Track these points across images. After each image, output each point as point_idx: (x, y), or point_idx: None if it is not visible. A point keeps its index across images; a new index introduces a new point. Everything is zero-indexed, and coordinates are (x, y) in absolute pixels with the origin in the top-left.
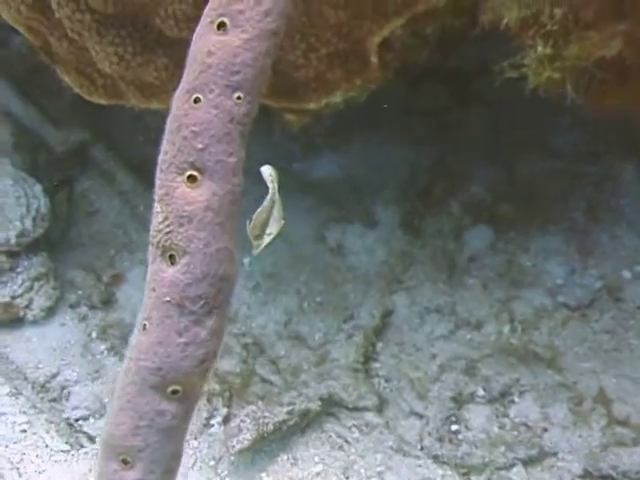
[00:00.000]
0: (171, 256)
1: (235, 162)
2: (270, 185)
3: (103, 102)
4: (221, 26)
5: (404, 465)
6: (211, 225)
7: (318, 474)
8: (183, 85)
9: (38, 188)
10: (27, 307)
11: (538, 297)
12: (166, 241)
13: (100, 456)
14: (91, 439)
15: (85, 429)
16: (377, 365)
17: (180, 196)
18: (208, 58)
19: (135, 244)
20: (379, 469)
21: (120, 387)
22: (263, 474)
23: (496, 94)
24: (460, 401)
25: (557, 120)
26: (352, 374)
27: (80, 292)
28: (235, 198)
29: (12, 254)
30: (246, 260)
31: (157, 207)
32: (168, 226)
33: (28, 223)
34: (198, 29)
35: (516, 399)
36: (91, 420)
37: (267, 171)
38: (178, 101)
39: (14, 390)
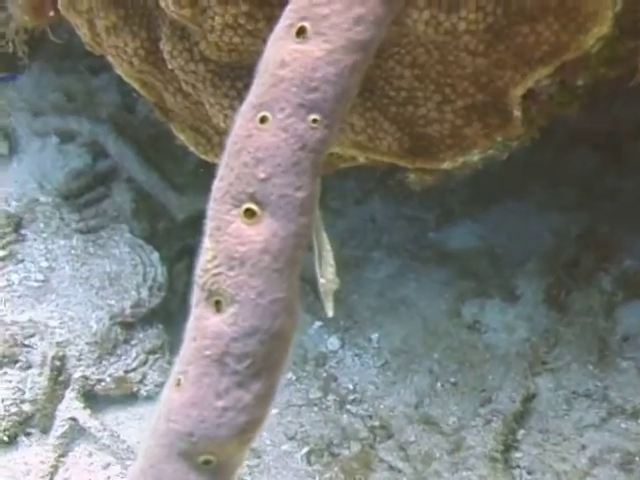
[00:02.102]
0: (217, 302)
1: (304, 197)
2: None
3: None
4: (301, 32)
5: None
6: (267, 271)
7: None
8: (250, 99)
9: (155, 256)
10: (141, 382)
11: None
12: (212, 284)
13: None
14: None
15: None
16: (518, 455)
17: (234, 233)
18: (281, 70)
19: None
20: None
21: (145, 447)
22: None
23: None
24: None
25: None
26: (490, 464)
27: None
28: (300, 241)
29: (127, 325)
30: (374, 336)
31: (207, 242)
32: (217, 267)
33: (144, 293)
34: (275, 32)
35: None
36: None
37: None
38: (242, 118)
39: (125, 471)
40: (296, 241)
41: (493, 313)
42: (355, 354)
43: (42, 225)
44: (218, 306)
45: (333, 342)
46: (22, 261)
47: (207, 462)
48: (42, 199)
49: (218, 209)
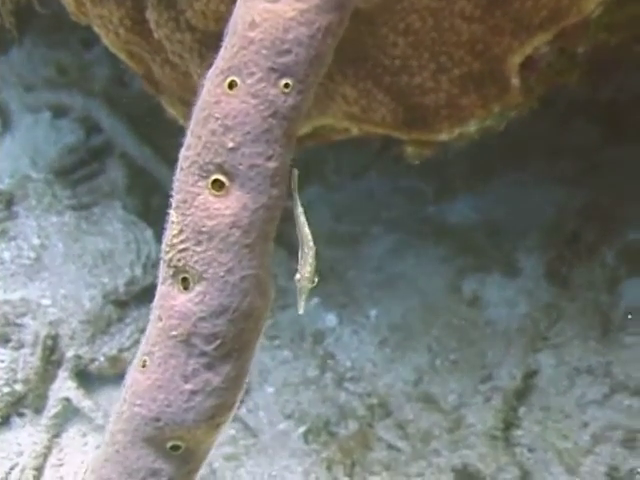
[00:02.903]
0: (184, 279)
1: (275, 168)
2: (293, 194)
3: None
4: None
5: None
6: (237, 247)
7: None
8: (218, 63)
9: (149, 233)
10: None
11: None
12: (179, 260)
13: None
14: None
15: None
16: (519, 433)
17: (201, 206)
18: (251, 31)
19: None
20: None
21: (110, 432)
22: None
23: None
24: (617, 478)
25: None
26: (490, 442)
27: None
28: (272, 215)
29: (120, 304)
30: (372, 312)
31: (172, 215)
32: (183, 242)
33: (138, 270)
34: None
35: None
36: None
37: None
38: (209, 83)
39: None
40: (267, 214)
41: (493, 288)
42: (353, 331)
43: (34, 202)
44: (185, 284)
45: (331, 319)
46: (14, 238)
47: (175, 448)
48: (34, 175)
49: (184, 180)
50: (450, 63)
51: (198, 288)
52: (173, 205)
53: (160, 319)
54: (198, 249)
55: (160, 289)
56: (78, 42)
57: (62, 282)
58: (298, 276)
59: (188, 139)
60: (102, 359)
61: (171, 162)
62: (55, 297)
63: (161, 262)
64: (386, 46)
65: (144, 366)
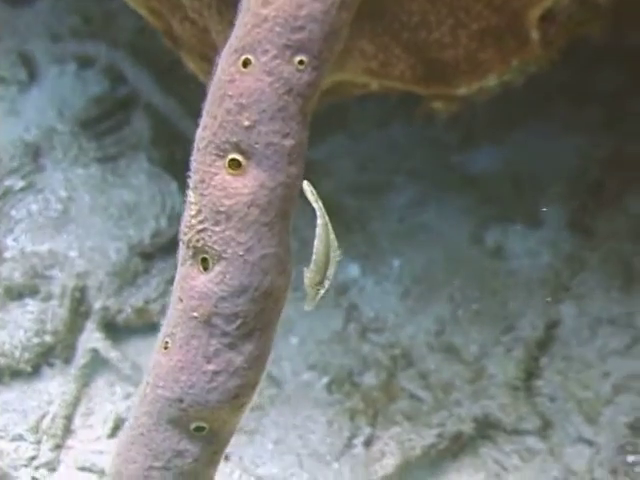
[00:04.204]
0: (204, 260)
1: (292, 145)
2: (316, 205)
3: None
4: None
5: None
6: (256, 226)
7: None
8: (231, 41)
9: (174, 185)
10: (161, 312)
11: None
12: (198, 241)
13: None
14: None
15: None
16: (540, 383)
17: (219, 185)
18: (264, 8)
19: None
20: None
21: (134, 415)
22: None
23: None
24: (638, 428)
25: None
26: (511, 392)
27: None
28: (290, 193)
29: (146, 255)
30: (395, 262)
31: (191, 196)
32: (201, 222)
33: (163, 222)
34: None
35: None
36: None
37: (307, 188)
38: (224, 62)
39: None
40: (286, 192)
41: (516, 239)
42: (376, 282)
43: (61, 154)
44: (205, 264)
45: (354, 269)
46: (41, 191)
47: (199, 429)
48: (60, 127)
49: (202, 160)
50: (468, 18)
51: (218, 268)
52: (191, 185)
53: (181, 300)
54: (217, 229)
55: (180, 270)
56: None
57: (89, 234)
58: (308, 275)
59: (204, 119)
60: (129, 310)
61: (195, 114)
62: (82, 249)
63: (180, 243)
64: (404, 1)
65: (166, 348)
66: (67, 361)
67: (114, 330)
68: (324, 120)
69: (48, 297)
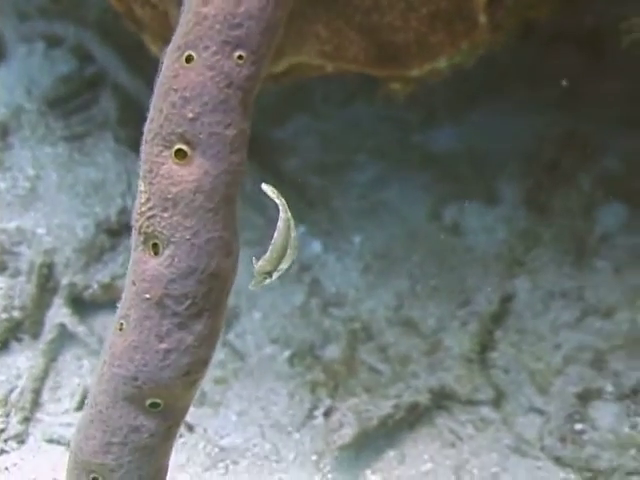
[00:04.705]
0: (154, 245)
1: (234, 135)
2: (278, 202)
3: None
4: None
5: (522, 466)
6: (201, 211)
7: (427, 473)
8: (175, 39)
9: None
10: None
11: None
12: (148, 227)
13: (69, 470)
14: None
15: None
16: (495, 355)
17: (166, 174)
18: (204, 7)
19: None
20: (494, 470)
21: (92, 394)
22: (368, 471)
23: (636, 56)
24: (586, 397)
25: None
26: (466, 364)
27: None
28: (233, 179)
29: (112, 233)
30: (357, 239)
31: (140, 185)
32: (151, 209)
33: (129, 200)
34: None
35: None
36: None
37: (268, 189)
38: (168, 59)
39: None
40: (229, 179)
41: (472, 215)
42: (337, 258)
43: (28, 133)
44: (155, 249)
45: (316, 246)
46: (9, 169)
47: (154, 405)
48: (28, 106)
49: (149, 151)
50: (418, 2)
51: (167, 252)
52: (140, 175)
53: (134, 284)
54: (165, 215)
55: (132, 255)
56: None
57: (56, 212)
58: (260, 262)
59: (151, 112)
60: (95, 286)
61: None
62: (50, 226)
63: (132, 230)
64: None
65: (121, 329)
66: (35, 336)
67: (81, 305)
68: (290, 101)
69: (16, 273)
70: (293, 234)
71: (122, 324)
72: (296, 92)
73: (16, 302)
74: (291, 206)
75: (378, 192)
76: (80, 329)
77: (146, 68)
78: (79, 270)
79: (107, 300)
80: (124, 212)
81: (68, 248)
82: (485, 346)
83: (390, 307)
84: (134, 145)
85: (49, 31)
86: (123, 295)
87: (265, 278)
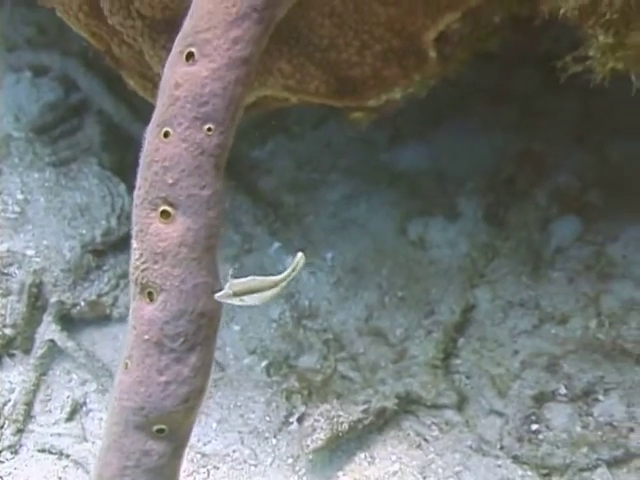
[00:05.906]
0: (149, 293)
1: (209, 195)
2: (291, 272)
3: None
4: (190, 56)
5: (483, 465)
6: (186, 261)
7: (395, 473)
8: (154, 118)
9: (122, 187)
10: (113, 305)
11: (627, 290)
12: (143, 278)
13: None
14: None
15: None
16: (457, 361)
17: (154, 232)
18: (176, 90)
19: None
20: (457, 469)
21: (107, 426)
22: (340, 473)
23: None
24: (541, 399)
25: None
26: (431, 371)
27: None
28: (212, 232)
29: (98, 253)
30: (329, 255)
31: (134, 243)
32: (144, 263)
33: (113, 222)
34: (169, 59)
35: (600, 397)
36: None
37: (299, 259)
38: (149, 135)
39: (101, 387)
40: (208, 232)
41: (436, 230)
42: (311, 273)
43: (17, 160)
44: (150, 296)
45: (291, 262)
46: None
47: (160, 430)
48: (16, 134)
49: (139, 214)
50: (372, 40)
51: (160, 298)
52: (133, 235)
53: (134, 328)
54: (156, 267)
55: (132, 304)
56: None
57: (44, 234)
58: (233, 281)
59: (138, 181)
60: (83, 304)
61: (145, 120)
62: (38, 248)
63: (130, 283)
64: (315, 27)
65: (126, 368)
66: (26, 352)
67: (69, 322)
68: (266, 123)
69: (7, 293)
70: (276, 292)
71: (127, 363)
72: (272, 116)
73: (8, 320)
74: (268, 224)
75: (348, 209)
76: (69, 344)
77: (129, 96)
78: (67, 289)
79: (94, 317)
80: (109, 233)
81: (56, 268)
82: (449, 353)
83: (360, 318)
84: (117, 169)
85: (36, 61)
86: (126, 339)
87: (230, 297)
